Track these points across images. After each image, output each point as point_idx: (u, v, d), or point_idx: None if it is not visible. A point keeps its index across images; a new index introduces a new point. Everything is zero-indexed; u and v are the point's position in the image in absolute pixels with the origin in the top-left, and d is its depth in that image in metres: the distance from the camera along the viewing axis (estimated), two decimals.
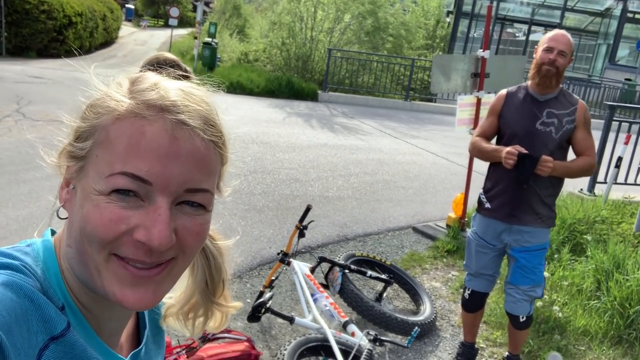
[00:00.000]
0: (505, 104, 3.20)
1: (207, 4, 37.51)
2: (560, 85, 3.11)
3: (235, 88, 13.48)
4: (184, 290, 0.89)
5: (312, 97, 13.99)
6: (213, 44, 16.74)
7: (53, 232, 0.77)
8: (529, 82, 3.17)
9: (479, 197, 3.32)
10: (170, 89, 0.70)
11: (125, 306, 0.68)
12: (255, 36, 22.42)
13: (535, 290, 3.21)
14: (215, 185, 0.73)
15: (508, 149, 3.01)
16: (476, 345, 3.61)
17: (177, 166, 0.66)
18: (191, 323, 0.91)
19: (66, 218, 0.72)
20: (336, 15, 16.84)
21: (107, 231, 0.64)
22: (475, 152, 3.29)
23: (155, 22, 48.08)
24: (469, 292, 3.43)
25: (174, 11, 22.10)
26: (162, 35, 30.49)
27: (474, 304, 3.42)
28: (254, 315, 3.19)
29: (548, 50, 3.01)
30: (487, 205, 3.24)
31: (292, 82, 14.30)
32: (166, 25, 31.07)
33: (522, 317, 3.25)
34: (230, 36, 24.21)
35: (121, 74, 0.74)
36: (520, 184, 3.01)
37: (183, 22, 37.77)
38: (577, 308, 4.14)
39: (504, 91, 3.27)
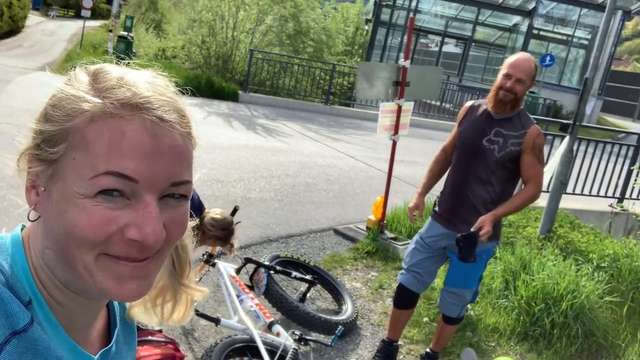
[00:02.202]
0: (466, 115, 3.31)
1: None
2: (520, 107, 3.16)
3: None
4: None
5: (232, 97, 13.86)
6: (129, 38, 16.20)
7: (23, 227, 0.76)
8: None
9: (435, 199, 3.50)
10: (139, 83, 0.69)
11: (121, 299, 0.70)
12: (172, 32, 21.89)
13: (465, 296, 3.34)
14: (192, 173, 0.74)
15: (411, 205, 3.44)
16: (396, 343, 3.74)
17: (160, 163, 0.66)
18: (160, 309, 0.90)
19: (36, 220, 0.71)
20: (258, 17, 16.79)
21: (97, 233, 0.65)
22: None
23: (65, 12, 45.72)
24: (397, 285, 3.56)
25: (87, 2, 21.10)
26: (72, 27, 29.04)
27: (399, 298, 3.55)
28: None
29: (507, 76, 3.06)
30: (436, 208, 3.41)
31: (213, 81, 14.11)
32: (77, 16, 29.69)
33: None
34: (146, 31, 23.49)
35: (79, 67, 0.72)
36: (467, 261, 3.07)
37: (95, 14, 36.15)
38: (487, 306, 4.40)
39: (469, 103, 3.39)
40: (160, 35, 23.70)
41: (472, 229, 3.04)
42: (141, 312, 0.90)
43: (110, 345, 0.83)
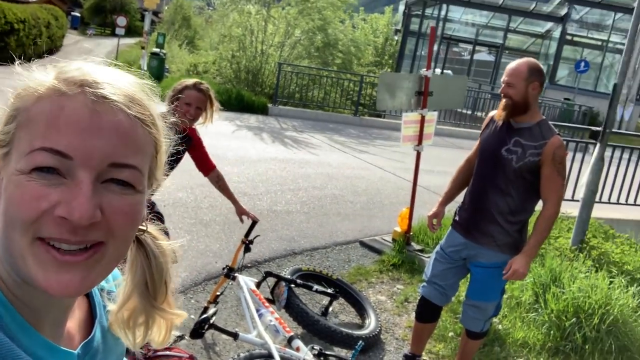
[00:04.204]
0: (488, 125, 3.25)
1: (155, 14, 37.05)
2: (542, 117, 3.07)
3: None
4: (122, 290, 0.84)
5: (262, 110, 13.97)
6: (161, 54, 16.54)
7: None
8: None
9: (456, 209, 3.44)
10: (96, 69, 0.70)
11: (49, 293, 0.65)
12: (205, 48, 22.29)
13: (487, 309, 3.23)
14: (145, 165, 0.70)
15: (430, 213, 3.48)
16: (420, 358, 3.66)
17: (98, 139, 0.64)
18: (131, 332, 0.84)
19: None
20: (286, 30, 16.93)
21: (29, 210, 0.62)
22: None
23: (102, 30, 47.01)
24: (419, 298, 3.49)
25: (121, 20, 21.69)
26: (108, 45, 29.82)
27: (421, 311, 3.47)
28: (197, 331, 3.14)
29: (502, 82, 3.05)
30: (456, 217, 3.33)
31: (242, 95, 14.26)
32: (113, 34, 30.45)
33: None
34: (179, 47, 23.96)
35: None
36: None
37: (131, 32, 37.10)
38: (516, 320, 4.27)
39: (491, 113, 3.30)
40: (193, 52, 24.14)
41: (504, 274, 2.98)
42: (118, 331, 0.85)
43: (91, 335, 0.80)
